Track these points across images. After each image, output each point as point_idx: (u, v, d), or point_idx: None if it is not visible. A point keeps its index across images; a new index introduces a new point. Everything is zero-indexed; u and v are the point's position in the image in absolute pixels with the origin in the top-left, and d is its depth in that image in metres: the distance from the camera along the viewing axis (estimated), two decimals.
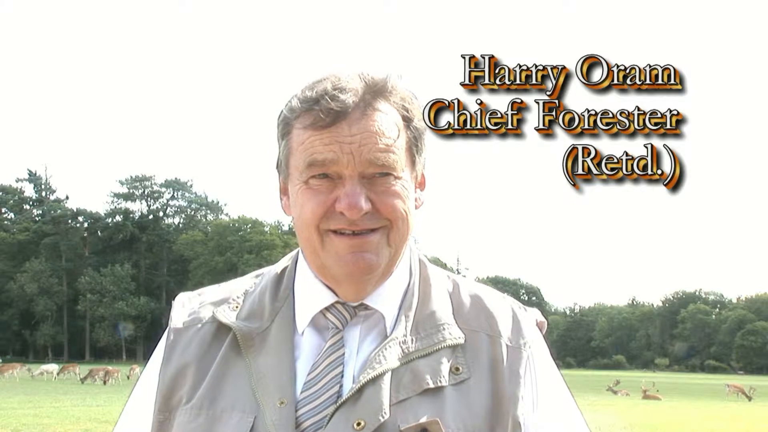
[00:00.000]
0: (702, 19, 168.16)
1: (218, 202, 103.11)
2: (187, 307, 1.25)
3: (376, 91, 1.13)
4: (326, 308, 1.17)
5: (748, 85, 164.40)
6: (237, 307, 1.21)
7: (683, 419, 20.04)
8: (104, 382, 36.40)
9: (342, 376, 1.11)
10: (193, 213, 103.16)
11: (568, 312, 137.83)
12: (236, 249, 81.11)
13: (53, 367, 45.00)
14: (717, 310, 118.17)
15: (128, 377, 39.96)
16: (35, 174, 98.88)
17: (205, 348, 1.18)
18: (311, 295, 1.19)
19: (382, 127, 1.12)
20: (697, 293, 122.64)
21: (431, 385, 1.10)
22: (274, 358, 1.13)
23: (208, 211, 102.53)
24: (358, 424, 1.05)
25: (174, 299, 1.28)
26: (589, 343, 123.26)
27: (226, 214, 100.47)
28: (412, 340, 1.14)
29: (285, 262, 1.28)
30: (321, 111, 1.10)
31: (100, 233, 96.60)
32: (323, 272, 1.16)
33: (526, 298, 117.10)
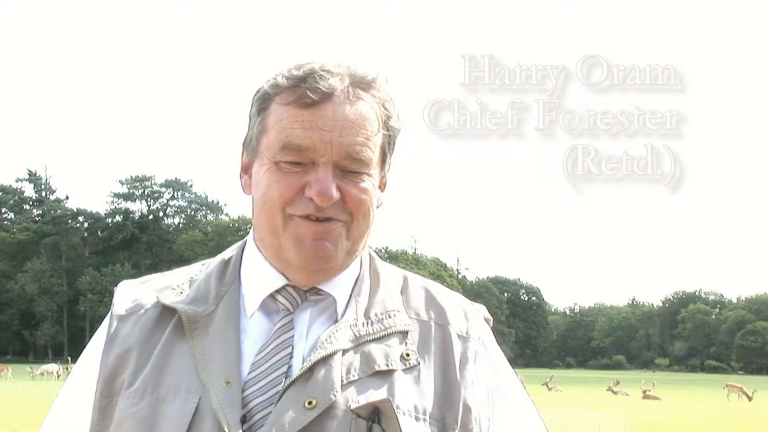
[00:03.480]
0: (702, 19, 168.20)
1: (218, 202, 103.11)
2: (131, 294, 1.23)
3: (361, 83, 1.13)
4: (276, 291, 1.17)
5: (748, 86, 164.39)
6: (182, 292, 1.20)
7: (683, 419, 20.01)
8: None
9: (291, 357, 1.10)
10: (193, 213, 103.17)
11: (568, 312, 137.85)
12: None
13: (53, 367, 45.02)
14: (717, 310, 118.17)
15: None
16: (35, 174, 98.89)
17: (148, 332, 1.16)
18: (261, 279, 1.18)
19: (364, 119, 1.12)
20: (697, 293, 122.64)
21: (382, 368, 1.10)
22: (220, 340, 1.12)
23: (208, 211, 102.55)
24: (309, 402, 1.04)
25: (116, 287, 1.26)
26: (589, 343, 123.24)
27: (226, 214, 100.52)
28: (362, 323, 1.14)
29: (231, 250, 1.27)
30: (308, 89, 1.09)
31: (100, 233, 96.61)
32: (278, 255, 1.15)
33: (526, 298, 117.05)
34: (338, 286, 1.18)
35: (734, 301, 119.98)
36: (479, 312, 1.25)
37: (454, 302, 1.24)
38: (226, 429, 1.02)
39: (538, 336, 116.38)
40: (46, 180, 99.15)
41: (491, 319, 1.27)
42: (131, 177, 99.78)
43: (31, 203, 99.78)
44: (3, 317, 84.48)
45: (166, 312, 1.17)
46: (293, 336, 1.13)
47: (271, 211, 1.12)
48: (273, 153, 1.12)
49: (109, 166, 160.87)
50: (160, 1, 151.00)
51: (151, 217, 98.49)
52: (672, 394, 36.88)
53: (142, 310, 1.19)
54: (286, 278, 1.16)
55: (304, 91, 1.09)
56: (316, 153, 1.09)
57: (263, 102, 1.15)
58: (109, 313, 1.22)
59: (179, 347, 1.13)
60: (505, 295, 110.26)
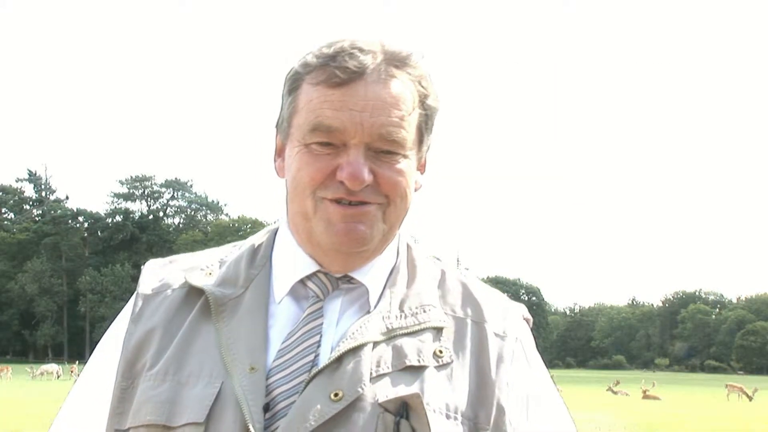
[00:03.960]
0: (703, 19, 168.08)
1: (218, 202, 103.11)
2: (158, 273, 1.19)
3: (396, 60, 1.07)
4: (307, 277, 1.13)
5: (748, 86, 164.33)
6: (210, 273, 1.16)
7: (683, 419, 19.99)
8: None
9: (318, 346, 1.06)
10: (193, 213, 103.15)
11: (568, 312, 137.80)
12: None
13: (53, 367, 44.99)
14: (717, 310, 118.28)
15: None
16: (35, 174, 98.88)
17: (173, 313, 1.13)
18: (292, 264, 1.14)
19: (398, 98, 1.06)
20: (697, 293, 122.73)
21: (413, 363, 1.06)
22: (246, 325, 1.09)
23: (208, 211, 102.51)
24: (335, 394, 1.01)
25: (143, 266, 1.23)
26: (589, 343, 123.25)
27: (226, 214, 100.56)
28: (395, 316, 1.10)
29: (264, 233, 1.23)
30: (337, 68, 1.04)
31: (100, 233, 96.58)
32: (310, 239, 1.11)
33: (526, 298, 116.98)
34: (372, 275, 1.13)
35: (734, 301, 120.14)
36: (518, 311, 1.21)
37: (492, 300, 1.19)
38: (247, 416, 0.99)
39: (538, 336, 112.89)
40: (46, 180, 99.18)
41: (531, 319, 1.23)
42: (131, 177, 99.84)
43: (31, 203, 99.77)
44: (3, 317, 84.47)
45: (193, 293, 1.14)
46: (322, 324, 1.09)
47: (302, 195, 1.08)
48: (303, 134, 1.07)
49: (109, 166, 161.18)
50: (160, 1, 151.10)
51: (151, 217, 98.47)
52: (672, 394, 36.88)
53: (169, 290, 1.16)
54: (318, 264, 1.12)
55: (333, 70, 1.05)
56: (347, 134, 1.04)
57: (294, 82, 1.10)
58: (135, 293, 1.18)
59: (204, 329, 1.10)
60: (505, 295, 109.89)
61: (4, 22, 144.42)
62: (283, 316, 1.12)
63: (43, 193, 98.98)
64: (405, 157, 1.08)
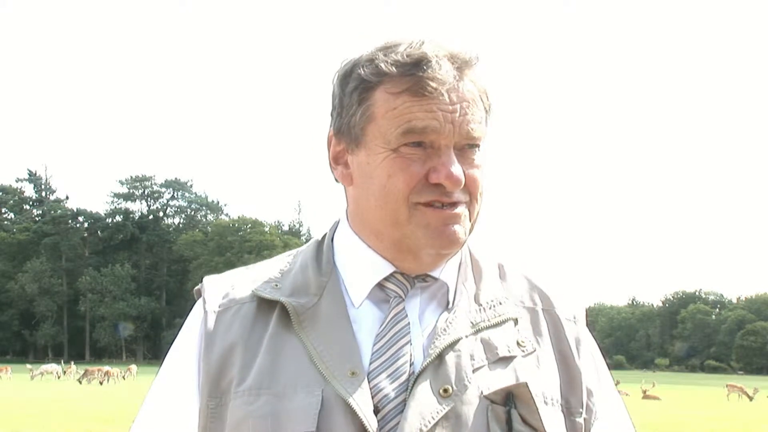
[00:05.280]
0: (703, 19, 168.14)
1: (218, 202, 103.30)
2: (220, 288, 1.18)
3: (463, 62, 1.11)
4: (385, 279, 1.14)
5: (748, 86, 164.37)
6: (277, 285, 1.16)
7: (683, 419, 20.03)
8: (100, 383, 36.43)
9: (410, 345, 1.08)
10: (193, 213, 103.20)
11: None
12: (236, 249, 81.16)
13: (53, 367, 44.99)
14: (717, 310, 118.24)
15: (124, 378, 39.96)
16: (35, 174, 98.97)
17: (249, 327, 1.12)
18: (367, 268, 1.15)
19: (475, 99, 1.10)
20: (697, 293, 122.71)
21: (504, 354, 1.09)
22: (332, 332, 1.09)
23: (208, 211, 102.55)
24: (445, 390, 1.03)
25: (202, 283, 1.21)
26: None
27: (226, 214, 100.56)
28: (476, 310, 1.13)
29: (318, 240, 1.24)
30: (422, 77, 1.06)
31: (100, 233, 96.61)
32: (399, 245, 1.11)
33: None
34: (447, 272, 1.16)
35: (734, 301, 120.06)
36: (579, 297, 1.25)
37: (555, 287, 1.23)
38: (362, 418, 1.00)
39: None
40: (46, 180, 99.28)
41: (585, 305, 1.28)
42: (131, 177, 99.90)
43: (31, 203, 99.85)
44: (3, 317, 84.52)
45: (264, 305, 1.14)
46: (409, 324, 1.10)
47: (395, 203, 1.08)
48: (389, 140, 1.07)
49: (109, 166, 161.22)
50: (160, 1, 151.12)
51: (151, 217, 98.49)
52: (672, 394, 36.92)
53: (238, 305, 1.15)
54: (394, 266, 1.14)
55: (419, 80, 1.06)
56: (441, 135, 1.06)
57: (364, 91, 1.10)
58: (200, 310, 1.17)
59: (289, 340, 1.10)
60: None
61: (4, 22, 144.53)
62: (367, 319, 1.12)
63: (43, 193, 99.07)
64: (480, 150, 1.12)
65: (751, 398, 34.51)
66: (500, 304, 1.15)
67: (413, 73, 1.06)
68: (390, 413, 1.03)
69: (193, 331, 1.17)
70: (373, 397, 1.03)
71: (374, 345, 1.09)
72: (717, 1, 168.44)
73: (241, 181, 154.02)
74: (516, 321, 1.14)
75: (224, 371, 1.10)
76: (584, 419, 1.11)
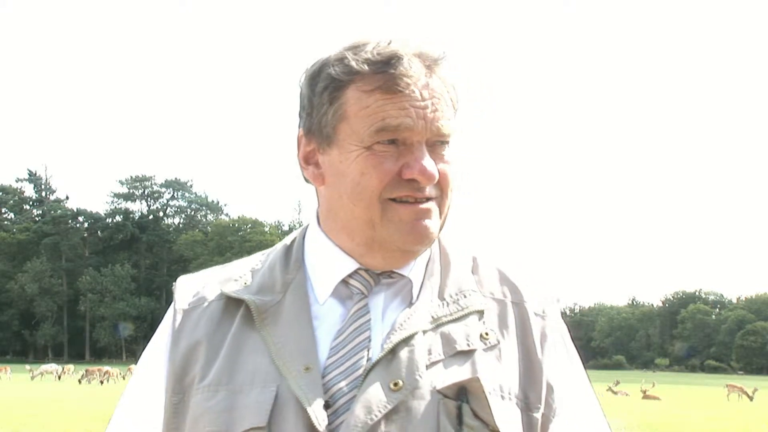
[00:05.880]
0: (703, 19, 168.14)
1: (218, 202, 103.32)
2: (191, 287, 1.21)
3: (432, 59, 1.11)
4: (349, 276, 1.15)
5: (748, 86, 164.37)
6: (245, 283, 1.18)
7: (683, 419, 20.01)
8: (101, 383, 36.42)
9: (369, 341, 1.09)
10: (193, 213, 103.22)
11: (568, 312, 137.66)
12: (236, 249, 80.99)
13: (53, 367, 44.98)
14: (717, 310, 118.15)
15: (124, 378, 39.96)
16: (35, 174, 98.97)
17: (215, 325, 1.14)
18: (331, 264, 1.16)
19: (444, 95, 1.11)
20: (697, 293, 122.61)
21: (463, 348, 1.09)
22: (293, 328, 1.11)
23: (208, 211, 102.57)
24: (395, 384, 1.03)
25: (175, 282, 1.24)
26: (589, 343, 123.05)
27: (226, 214, 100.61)
28: (438, 304, 1.13)
29: (290, 238, 1.25)
30: (394, 74, 1.07)
31: (100, 233, 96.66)
32: (371, 244, 1.12)
33: None
34: (411, 268, 1.16)
35: (734, 301, 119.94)
36: (552, 292, 1.24)
37: (528, 280, 1.22)
38: (311, 414, 1.01)
39: None
40: (46, 180, 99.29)
41: (559, 299, 1.26)
42: (131, 177, 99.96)
43: (31, 203, 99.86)
44: (3, 317, 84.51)
45: (231, 303, 1.16)
46: (370, 320, 1.11)
47: (369, 200, 1.08)
48: (362, 138, 1.08)
49: (109, 166, 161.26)
50: (160, 1, 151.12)
51: (151, 217, 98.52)
52: (672, 394, 36.89)
53: (206, 303, 1.17)
54: (359, 263, 1.14)
55: (390, 77, 1.07)
56: (413, 131, 1.07)
57: (335, 90, 1.10)
58: (171, 309, 1.20)
59: (250, 337, 1.11)
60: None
61: (4, 22, 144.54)
62: (329, 316, 1.13)
63: (43, 193, 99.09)
64: (450, 146, 1.13)
65: (751, 398, 34.51)
66: (465, 297, 1.15)
67: (385, 70, 1.07)
68: (342, 408, 1.03)
69: (163, 330, 1.20)
70: (326, 392, 1.04)
71: (333, 341, 1.10)
72: (717, 1, 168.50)
73: (241, 181, 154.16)
74: (482, 314, 1.14)
75: (188, 368, 1.12)
76: (542, 415, 1.10)
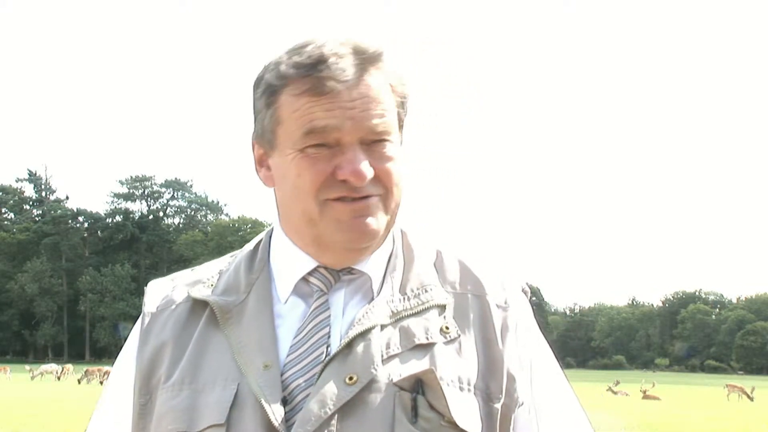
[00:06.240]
0: (703, 19, 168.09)
1: (218, 202, 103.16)
2: (161, 291, 1.23)
3: (366, 57, 1.11)
4: (309, 273, 1.16)
5: (748, 86, 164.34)
6: (212, 285, 1.20)
7: (683, 419, 20.01)
8: (100, 383, 36.39)
9: (329, 337, 1.10)
10: (193, 213, 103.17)
11: (568, 312, 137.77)
12: (236, 249, 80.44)
13: (53, 367, 44.96)
14: (717, 310, 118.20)
15: None
16: (35, 174, 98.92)
17: (181, 326, 1.17)
18: (292, 263, 1.17)
19: (378, 93, 1.10)
20: (697, 293, 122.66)
21: (422, 341, 1.10)
22: (254, 327, 1.12)
23: (208, 211, 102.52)
24: (350, 378, 1.04)
25: (146, 286, 1.26)
26: (589, 343, 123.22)
27: (226, 214, 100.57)
28: (399, 299, 1.14)
29: (257, 239, 1.27)
30: (321, 77, 1.07)
31: (100, 233, 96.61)
32: (318, 242, 1.13)
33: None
34: (372, 264, 1.17)
35: (734, 301, 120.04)
36: (517, 283, 1.24)
37: (490, 273, 1.22)
38: (268, 411, 1.03)
39: None
40: (46, 180, 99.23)
41: (529, 291, 1.27)
42: (131, 177, 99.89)
43: (31, 203, 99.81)
44: (3, 317, 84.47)
45: (198, 305, 1.18)
46: (329, 316, 1.13)
47: (305, 200, 1.10)
48: (295, 141, 1.09)
49: (109, 166, 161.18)
50: (160, 1, 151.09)
51: (151, 217, 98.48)
52: (672, 394, 36.88)
53: (174, 306, 1.19)
54: (318, 261, 1.15)
55: (318, 80, 1.07)
56: (342, 132, 1.08)
57: (271, 95, 1.12)
58: (141, 313, 1.22)
59: (214, 338, 1.13)
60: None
61: (4, 22, 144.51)
62: (291, 314, 1.15)
63: (43, 193, 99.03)
64: (392, 143, 1.12)
65: (751, 398, 34.50)
66: (426, 291, 1.16)
67: (311, 74, 1.08)
68: (299, 404, 1.05)
69: (133, 334, 1.22)
70: (284, 389, 1.06)
71: (293, 338, 1.11)
72: (717, 1, 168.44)
73: (241, 181, 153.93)
74: (443, 308, 1.14)
75: (154, 369, 1.15)
76: (503, 404, 1.10)
